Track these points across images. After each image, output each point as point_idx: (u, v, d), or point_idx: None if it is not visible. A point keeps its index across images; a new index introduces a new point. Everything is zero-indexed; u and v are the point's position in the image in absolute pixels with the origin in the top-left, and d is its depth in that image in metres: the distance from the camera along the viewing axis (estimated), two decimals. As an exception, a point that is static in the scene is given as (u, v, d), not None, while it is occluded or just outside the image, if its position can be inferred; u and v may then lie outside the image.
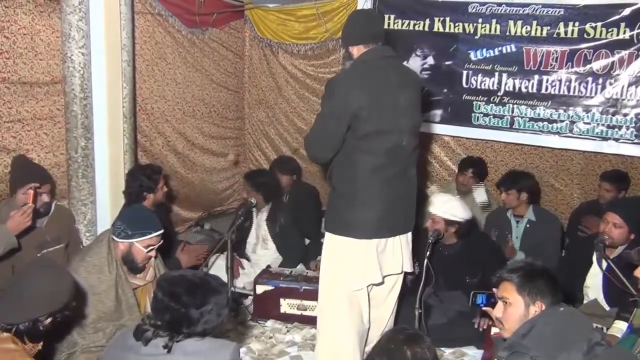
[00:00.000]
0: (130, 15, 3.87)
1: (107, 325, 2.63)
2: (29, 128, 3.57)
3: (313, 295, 3.46)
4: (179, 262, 3.68)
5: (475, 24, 4.53)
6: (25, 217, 2.88)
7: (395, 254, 2.77)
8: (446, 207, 3.43)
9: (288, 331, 3.52)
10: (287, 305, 3.65)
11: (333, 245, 2.74)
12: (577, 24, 4.21)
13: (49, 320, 2.04)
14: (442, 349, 3.25)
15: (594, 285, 3.20)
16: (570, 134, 4.39)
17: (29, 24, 3.50)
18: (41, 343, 2.07)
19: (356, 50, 2.70)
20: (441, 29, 4.67)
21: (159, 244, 2.81)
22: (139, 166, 3.92)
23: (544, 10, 4.30)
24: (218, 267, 3.84)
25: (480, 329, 3.19)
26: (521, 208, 4.10)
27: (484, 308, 2.68)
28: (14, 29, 3.41)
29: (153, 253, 2.79)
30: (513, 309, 2.15)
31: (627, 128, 4.19)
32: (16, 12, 3.42)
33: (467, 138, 4.97)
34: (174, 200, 4.87)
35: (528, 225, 4.07)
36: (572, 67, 4.29)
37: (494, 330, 2.29)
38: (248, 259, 4.30)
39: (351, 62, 2.76)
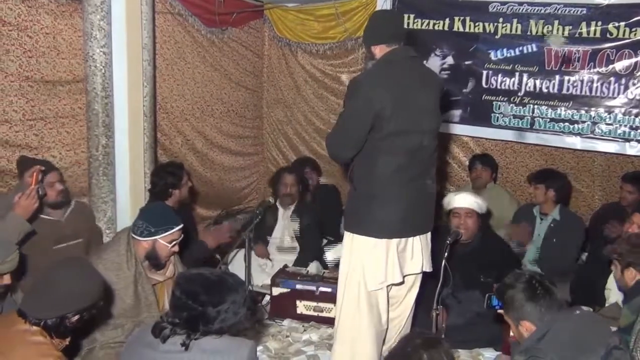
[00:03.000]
0: (151, 14, 3.90)
1: (125, 321, 2.65)
2: (50, 126, 3.63)
3: (329, 298, 3.46)
4: (205, 245, 3.65)
5: (495, 24, 4.49)
6: (30, 200, 2.81)
7: (415, 253, 2.76)
8: (473, 199, 3.44)
9: (305, 330, 3.52)
10: (303, 307, 3.65)
11: (353, 244, 2.73)
12: (599, 23, 4.16)
13: (76, 317, 2.05)
14: (459, 350, 3.23)
15: (615, 287, 3.15)
16: (592, 135, 4.34)
17: (52, 24, 3.56)
18: (68, 339, 2.10)
19: (378, 50, 2.69)
20: (461, 29, 4.64)
21: (181, 238, 2.83)
22: (162, 165, 3.96)
23: (565, 10, 4.25)
24: (238, 264, 3.85)
25: None
26: (547, 206, 4.07)
27: (499, 311, 2.65)
28: (36, 28, 3.46)
29: (176, 248, 2.81)
30: (516, 330, 2.20)
31: (650, 129, 4.13)
32: (39, 12, 3.47)
33: (486, 139, 4.94)
34: (192, 199, 4.91)
35: (552, 225, 4.04)
36: (595, 67, 4.24)
37: (511, 332, 2.28)
38: (269, 259, 4.31)
39: (373, 62, 2.74)
